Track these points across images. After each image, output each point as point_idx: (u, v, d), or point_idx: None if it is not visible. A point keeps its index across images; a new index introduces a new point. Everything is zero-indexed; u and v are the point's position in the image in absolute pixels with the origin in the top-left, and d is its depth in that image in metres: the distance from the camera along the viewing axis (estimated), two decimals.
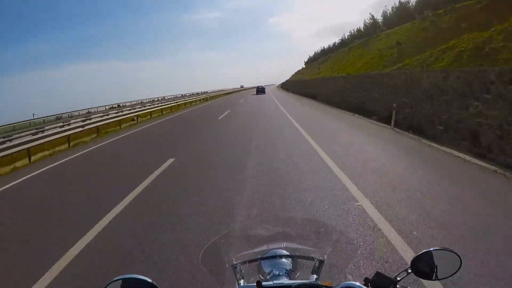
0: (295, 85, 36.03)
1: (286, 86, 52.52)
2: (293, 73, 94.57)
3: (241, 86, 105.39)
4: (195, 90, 61.66)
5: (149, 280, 0.80)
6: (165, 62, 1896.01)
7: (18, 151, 8.73)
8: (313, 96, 22.03)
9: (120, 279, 0.80)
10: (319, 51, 69.43)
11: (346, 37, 54.54)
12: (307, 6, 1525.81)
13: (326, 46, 66.15)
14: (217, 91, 56.40)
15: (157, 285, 0.81)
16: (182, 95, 44.40)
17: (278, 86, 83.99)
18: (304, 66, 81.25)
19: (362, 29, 48.09)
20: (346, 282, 0.83)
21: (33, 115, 31.55)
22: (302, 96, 27.29)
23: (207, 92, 53.09)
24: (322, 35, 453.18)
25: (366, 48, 30.11)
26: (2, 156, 8.24)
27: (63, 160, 8.23)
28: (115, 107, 33.74)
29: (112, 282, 0.80)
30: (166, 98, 41.11)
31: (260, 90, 41.46)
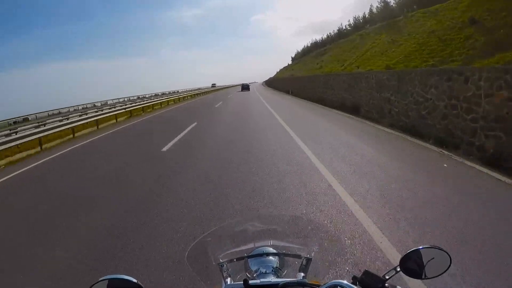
0: (295, 84, 27.21)
1: (276, 85, 43.77)
2: (278, 70, 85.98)
3: (213, 85, 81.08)
4: (170, 89, 51.46)
5: (135, 280, 0.79)
6: (143, 61, 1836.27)
7: None
8: (354, 109, 10.94)
9: (106, 279, 0.78)
10: (309, 45, 62.32)
11: (344, 27, 47.57)
12: (289, 3, 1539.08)
13: (318, 39, 58.71)
14: (190, 90, 46.25)
15: (142, 285, 0.80)
16: (138, 97, 34.54)
17: (262, 84, 71.11)
18: (290, 63, 73.44)
19: (367, 15, 41.12)
20: (334, 280, 0.81)
21: None
22: (324, 106, 14.55)
23: (177, 91, 43.51)
24: (303, 33, 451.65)
25: (396, 32, 22.23)
26: None
27: None
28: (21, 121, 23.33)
29: (98, 282, 0.78)
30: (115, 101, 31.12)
31: (245, 88, 43.38)
